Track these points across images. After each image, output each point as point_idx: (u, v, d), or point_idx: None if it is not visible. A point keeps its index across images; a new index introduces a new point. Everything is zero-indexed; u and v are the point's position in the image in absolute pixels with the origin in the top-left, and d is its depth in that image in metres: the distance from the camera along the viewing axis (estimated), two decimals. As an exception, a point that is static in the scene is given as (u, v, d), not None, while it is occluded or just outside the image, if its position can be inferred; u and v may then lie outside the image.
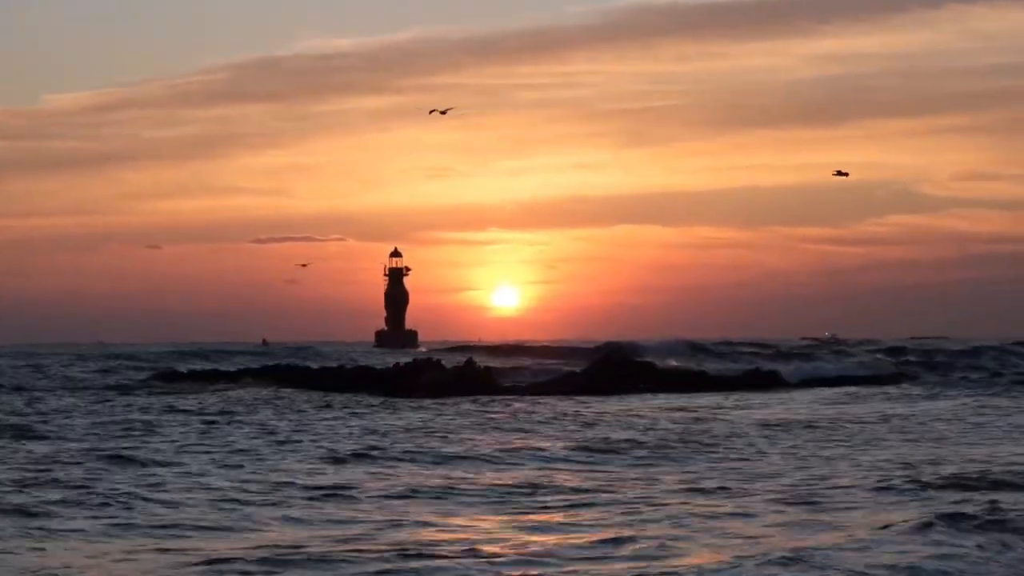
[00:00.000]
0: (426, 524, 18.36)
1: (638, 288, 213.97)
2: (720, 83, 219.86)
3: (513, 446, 30.36)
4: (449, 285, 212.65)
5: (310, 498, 21.10)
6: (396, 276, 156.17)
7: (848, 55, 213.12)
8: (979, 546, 15.84)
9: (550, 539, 16.86)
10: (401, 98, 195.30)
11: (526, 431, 35.17)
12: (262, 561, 15.40)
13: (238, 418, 39.58)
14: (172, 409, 43.33)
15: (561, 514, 19.23)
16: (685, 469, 25.54)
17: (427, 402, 48.66)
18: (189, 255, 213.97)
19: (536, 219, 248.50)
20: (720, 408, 45.55)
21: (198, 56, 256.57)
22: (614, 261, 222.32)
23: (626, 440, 31.65)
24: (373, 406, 46.39)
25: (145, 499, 20.58)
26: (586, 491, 21.83)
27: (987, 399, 50.45)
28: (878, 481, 22.55)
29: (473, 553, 15.69)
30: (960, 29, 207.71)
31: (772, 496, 20.81)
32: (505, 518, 19.00)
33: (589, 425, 37.18)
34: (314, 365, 70.67)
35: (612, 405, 47.33)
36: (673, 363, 70.71)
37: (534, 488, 22.31)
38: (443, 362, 63.31)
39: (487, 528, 18.00)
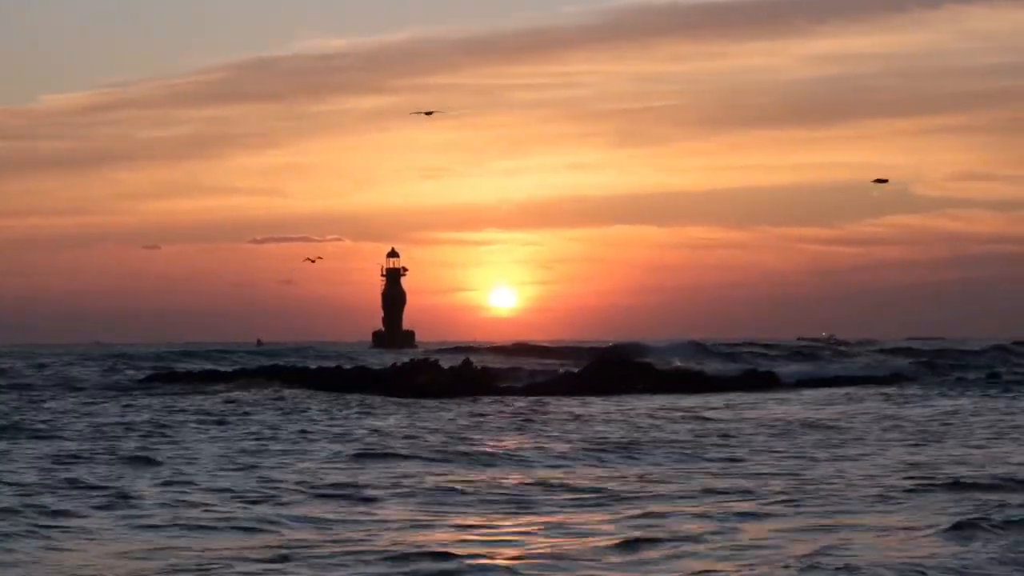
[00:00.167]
0: (427, 524, 18.41)
1: (634, 288, 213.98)
2: (717, 83, 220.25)
3: (513, 446, 30.41)
4: (445, 285, 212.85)
5: (318, 496, 21.19)
6: (394, 276, 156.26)
7: (845, 55, 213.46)
8: (991, 547, 15.89)
9: (558, 540, 16.86)
10: (398, 98, 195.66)
11: (525, 431, 35.21)
12: (275, 559, 15.52)
13: (242, 418, 39.67)
14: (176, 409, 43.39)
15: (565, 515, 19.24)
16: (686, 469, 25.56)
17: (425, 402, 48.71)
18: (185, 255, 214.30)
19: (532, 219, 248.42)
20: (719, 408, 45.57)
21: (195, 56, 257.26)
22: (611, 261, 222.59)
23: (626, 440, 31.71)
24: (373, 406, 46.43)
25: (153, 498, 20.65)
26: (590, 491, 21.84)
27: (986, 399, 50.52)
28: (884, 483, 22.61)
29: (478, 554, 15.74)
30: (958, 29, 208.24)
31: (781, 498, 20.83)
32: (507, 518, 19.03)
33: (589, 425, 37.21)
34: (312, 365, 70.68)
35: (611, 405, 47.35)
36: (676, 363, 70.58)
37: (536, 488, 22.32)
38: (440, 362, 63.35)
39: (492, 528, 18.01)
